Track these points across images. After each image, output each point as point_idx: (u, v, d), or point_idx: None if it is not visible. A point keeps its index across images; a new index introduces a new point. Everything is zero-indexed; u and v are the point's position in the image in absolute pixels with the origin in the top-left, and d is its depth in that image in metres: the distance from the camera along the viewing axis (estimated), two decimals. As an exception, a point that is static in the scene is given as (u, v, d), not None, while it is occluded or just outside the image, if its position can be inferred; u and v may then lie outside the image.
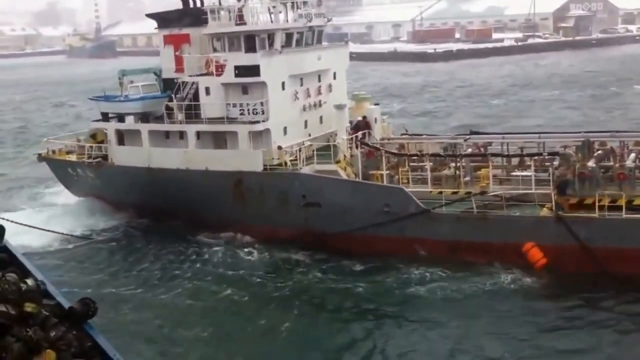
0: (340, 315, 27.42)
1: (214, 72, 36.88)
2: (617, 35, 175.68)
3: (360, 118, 38.23)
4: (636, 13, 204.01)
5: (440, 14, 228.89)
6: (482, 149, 35.99)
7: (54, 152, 43.95)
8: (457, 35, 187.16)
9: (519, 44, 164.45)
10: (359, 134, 36.52)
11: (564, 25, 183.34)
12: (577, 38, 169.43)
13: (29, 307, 8.39)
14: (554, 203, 29.79)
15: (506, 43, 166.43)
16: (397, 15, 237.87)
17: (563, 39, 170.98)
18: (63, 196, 43.95)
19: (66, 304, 8.92)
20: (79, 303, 8.93)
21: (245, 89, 36.77)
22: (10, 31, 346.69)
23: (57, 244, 36.73)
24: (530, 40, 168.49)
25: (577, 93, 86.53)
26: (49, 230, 36.33)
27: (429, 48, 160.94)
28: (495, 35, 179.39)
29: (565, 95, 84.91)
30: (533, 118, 68.19)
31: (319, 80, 39.51)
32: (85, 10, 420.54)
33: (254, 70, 35.64)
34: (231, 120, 36.41)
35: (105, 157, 40.14)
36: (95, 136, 41.75)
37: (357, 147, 35.35)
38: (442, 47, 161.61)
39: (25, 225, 34.27)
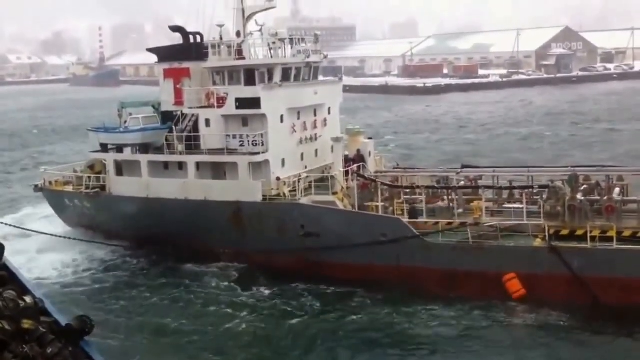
0: (340, 347, 26.61)
1: (215, 105, 36.49)
2: (596, 74, 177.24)
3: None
4: (614, 52, 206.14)
5: (429, 50, 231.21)
6: (472, 182, 35.75)
7: (50, 183, 43.13)
8: (446, 71, 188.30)
9: (504, 80, 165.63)
10: (354, 166, 36.12)
11: (545, 63, 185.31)
12: (559, 75, 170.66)
13: (26, 324, 8.32)
14: (547, 234, 29.49)
15: (492, 79, 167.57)
16: (389, 50, 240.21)
17: (545, 76, 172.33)
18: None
19: (63, 321, 8.74)
20: (76, 320, 8.74)
21: (245, 120, 36.44)
22: (16, 59, 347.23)
23: (56, 270, 35.85)
24: (514, 77, 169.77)
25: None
26: (49, 234, 36.11)
27: (418, 82, 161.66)
28: (481, 72, 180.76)
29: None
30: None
31: (315, 115, 39.31)
32: (90, 40, 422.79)
33: (254, 103, 35.37)
34: (231, 151, 35.95)
35: (102, 188, 39.34)
36: (93, 167, 40.97)
37: (352, 180, 34.90)
38: (430, 81, 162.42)
39: (26, 229, 34.60)
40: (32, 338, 8.24)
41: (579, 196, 31.28)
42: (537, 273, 28.79)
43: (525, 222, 30.86)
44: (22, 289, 9.40)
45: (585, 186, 32.88)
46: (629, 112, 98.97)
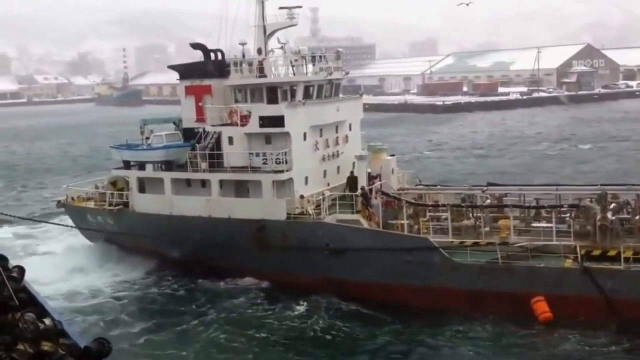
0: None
1: (239, 123, 36.06)
2: (618, 91, 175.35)
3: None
4: (636, 69, 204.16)
5: (448, 69, 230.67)
6: (498, 200, 34.96)
7: (73, 199, 43.02)
8: (465, 89, 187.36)
9: (524, 97, 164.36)
10: (378, 184, 35.45)
11: (566, 80, 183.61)
12: (580, 93, 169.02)
13: (45, 346, 8.23)
14: (579, 255, 28.56)
15: (512, 96, 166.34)
16: (408, 69, 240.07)
17: (566, 93, 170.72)
18: None
19: (82, 344, 8.58)
20: (94, 342, 8.57)
21: (268, 138, 36.06)
22: (43, 80, 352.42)
23: (76, 290, 35.34)
24: (535, 94, 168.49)
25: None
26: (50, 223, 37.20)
27: (438, 100, 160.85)
28: (501, 89, 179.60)
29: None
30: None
31: (337, 131, 38.88)
32: (114, 60, 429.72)
33: (278, 121, 35.00)
34: (254, 169, 35.53)
35: (125, 205, 39.08)
36: (116, 183, 40.75)
37: (376, 197, 34.23)
38: (450, 99, 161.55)
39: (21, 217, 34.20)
40: None
41: (609, 215, 30.32)
42: (568, 295, 27.88)
43: (556, 242, 29.97)
44: (41, 311, 9.25)
45: (613, 204, 31.89)
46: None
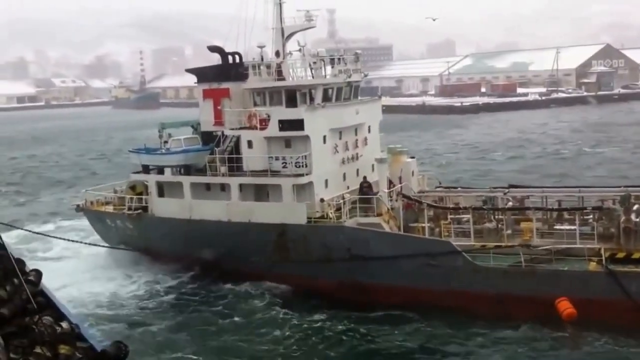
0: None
1: (258, 126, 35.99)
2: (638, 91, 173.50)
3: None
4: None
5: (466, 70, 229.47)
6: (520, 203, 34.59)
7: (92, 203, 43.18)
8: (483, 90, 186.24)
9: (543, 98, 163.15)
10: (399, 186, 35.22)
11: (586, 80, 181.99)
12: (600, 93, 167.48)
13: (63, 349, 8.28)
14: (604, 257, 28.25)
15: (530, 97, 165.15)
16: (426, 70, 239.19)
17: (585, 94, 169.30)
18: None
19: (99, 347, 8.68)
20: (112, 346, 8.66)
21: (288, 142, 35.95)
22: (61, 83, 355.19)
23: (94, 293, 35.36)
24: (553, 95, 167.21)
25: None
26: (67, 240, 35.92)
27: (456, 102, 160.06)
28: (519, 90, 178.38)
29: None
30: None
31: (356, 134, 38.69)
32: (131, 63, 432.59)
33: (298, 124, 34.85)
34: (274, 173, 35.43)
35: (144, 209, 39.14)
36: (135, 188, 40.82)
37: (396, 200, 34.02)
38: (468, 100, 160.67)
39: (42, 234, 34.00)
40: None
41: (633, 217, 29.99)
42: (592, 298, 27.62)
43: (580, 245, 29.67)
44: (59, 314, 9.31)
45: (637, 206, 31.48)
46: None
